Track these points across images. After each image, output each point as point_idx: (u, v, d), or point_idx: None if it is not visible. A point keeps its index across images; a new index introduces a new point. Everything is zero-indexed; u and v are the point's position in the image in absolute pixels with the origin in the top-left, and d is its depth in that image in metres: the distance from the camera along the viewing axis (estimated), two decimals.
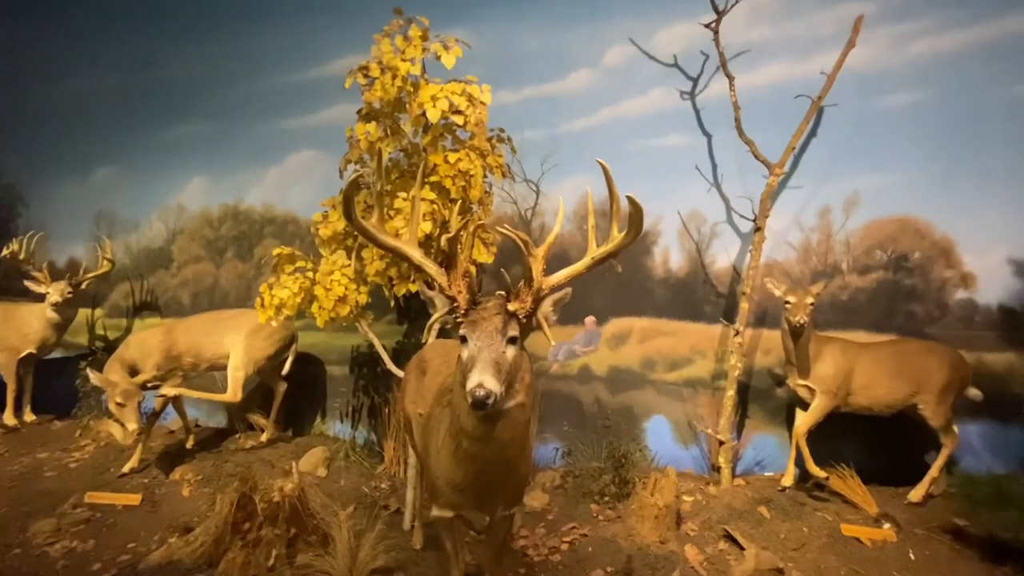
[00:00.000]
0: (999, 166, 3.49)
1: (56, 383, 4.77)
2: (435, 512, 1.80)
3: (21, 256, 4.37)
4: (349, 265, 3.16)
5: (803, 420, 3.37)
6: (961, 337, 3.50)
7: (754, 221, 3.62)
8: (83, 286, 4.46)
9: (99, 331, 5.18)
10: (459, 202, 2.67)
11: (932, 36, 3.63)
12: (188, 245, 5.09)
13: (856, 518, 3.18)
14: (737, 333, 3.59)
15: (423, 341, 1.45)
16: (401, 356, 3.46)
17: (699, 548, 2.95)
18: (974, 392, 3.35)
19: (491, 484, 1.68)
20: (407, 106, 2.77)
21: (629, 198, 1.43)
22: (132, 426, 3.34)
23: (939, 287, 3.60)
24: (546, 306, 1.54)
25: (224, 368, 4.00)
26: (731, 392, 3.61)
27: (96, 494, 3.28)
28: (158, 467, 3.74)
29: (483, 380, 1.33)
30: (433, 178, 2.78)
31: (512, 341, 1.45)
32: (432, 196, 2.80)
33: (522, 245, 1.45)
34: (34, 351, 4.41)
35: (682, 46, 4.04)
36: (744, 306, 3.59)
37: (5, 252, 4.36)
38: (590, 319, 4.18)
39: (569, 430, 4.11)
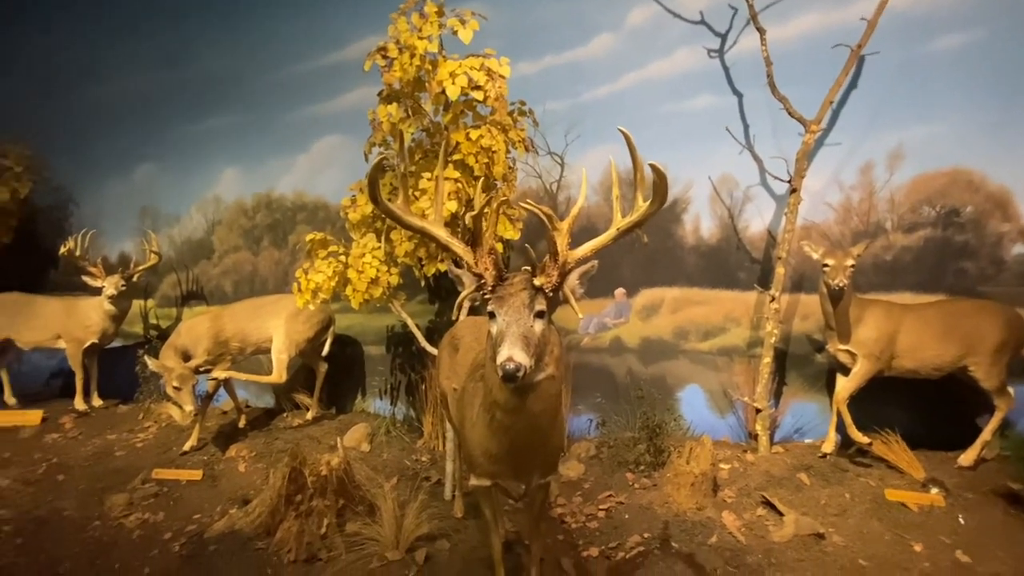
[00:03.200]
0: None
1: (118, 370, 5.11)
2: (473, 481, 1.87)
3: (77, 253, 4.64)
4: (379, 247, 3.23)
5: (844, 386, 3.29)
6: (1019, 295, 3.31)
7: (789, 182, 3.48)
8: (134, 279, 4.71)
9: (152, 320, 5.49)
10: (482, 179, 2.66)
11: None
12: (227, 235, 5.29)
13: (901, 483, 3.11)
14: (773, 299, 3.50)
15: (453, 319, 1.48)
16: (434, 334, 3.53)
17: (737, 514, 2.96)
18: None
19: (525, 454, 1.73)
20: (427, 85, 2.77)
21: (653, 166, 1.40)
22: (188, 408, 3.57)
23: (994, 242, 3.40)
24: (572, 279, 1.54)
25: (268, 351, 4.20)
26: (768, 359, 3.54)
27: (162, 471, 3.55)
28: (215, 445, 3.99)
29: (512, 354, 1.36)
30: (456, 156, 2.79)
31: (540, 315, 1.46)
32: (456, 175, 2.81)
33: (545, 219, 1.45)
34: (96, 341, 4.72)
35: (709, 1, 3.85)
36: (780, 271, 3.48)
37: (62, 250, 4.64)
38: (620, 291, 4.15)
39: (602, 402, 4.14)
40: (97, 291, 4.57)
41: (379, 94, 2.94)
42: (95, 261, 4.69)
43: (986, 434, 3.19)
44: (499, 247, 1.54)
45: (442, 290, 4.48)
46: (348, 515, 2.88)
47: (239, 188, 5.27)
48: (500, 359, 1.37)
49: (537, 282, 1.46)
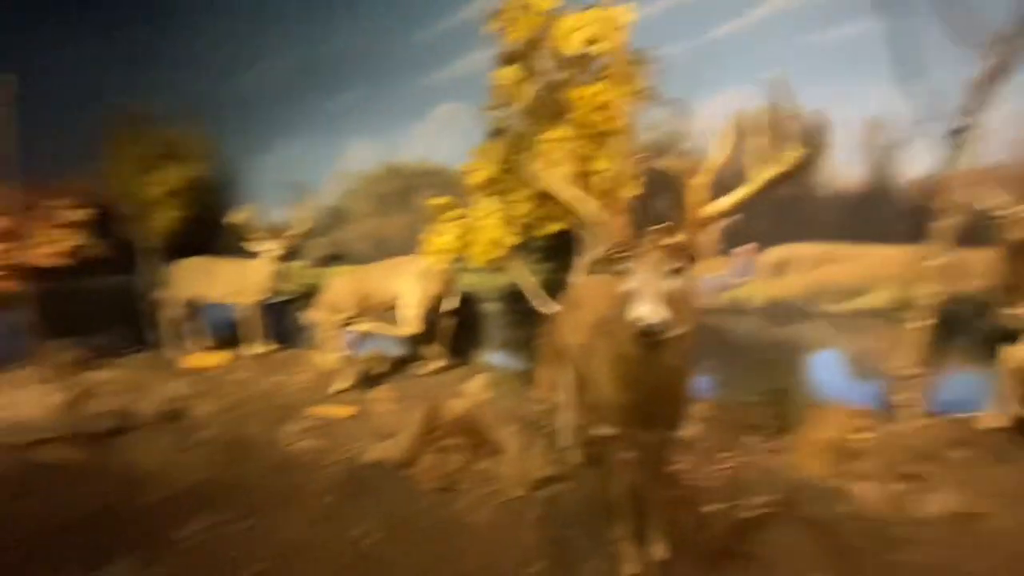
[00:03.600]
0: None
1: (277, 321, 6.00)
2: (599, 430, 1.98)
3: (245, 221, 5.44)
4: (499, 210, 3.38)
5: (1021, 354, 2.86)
6: None
7: (959, 120, 2.98)
8: (288, 243, 5.42)
9: (303, 280, 6.30)
10: (608, 136, 2.65)
11: None
12: (360, 202, 5.85)
13: None
14: (932, 255, 3.09)
15: (583, 276, 1.55)
16: (548, 292, 3.65)
17: (875, 486, 2.78)
18: None
19: (654, 407, 1.78)
20: (545, 43, 2.77)
21: (807, 112, 1.32)
22: (338, 355, 4.13)
23: None
24: (709, 235, 1.52)
25: (402, 307, 4.66)
26: (921, 323, 3.18)
27: (321, 407, 4.17)
28: (361, 387, 4.58)
29: (649, 310, 1.39)
30: (573, 114, 2.79)
31: (676, 272, 1.48)
32: (571, 133, 2.82)
33: (682, 174, 1.43)
34: (263, 297, 5.57)
35: None
36: (943, 223, 3.06)
37: (235, 219, 5.47)
38: (744, 248, 3.92)
39: (722, 363, 4.02)
40: (261, 254, 5.34)
41: (498, 56, 3.00)
42: (259, 228, 5.45)
43: None
44: (632, 204, 1.55)
45: (556, 250, 4.57)
46: (477, 454, 3.18)
47: (369, 157, 5.77)
48: (636, 315, 1.41)
49: (674, 239, 1.47)
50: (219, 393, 4.71)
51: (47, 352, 2.86)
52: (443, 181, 5.28)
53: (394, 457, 3.35)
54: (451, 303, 4.73)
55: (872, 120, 3.38)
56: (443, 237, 3.50)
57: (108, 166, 5.73)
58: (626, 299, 1.50)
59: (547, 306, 3.50)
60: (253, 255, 5.38)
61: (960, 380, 3.38)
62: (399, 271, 4.69)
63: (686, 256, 1.49)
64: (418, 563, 2.50)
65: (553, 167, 2.63)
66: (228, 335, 6.62)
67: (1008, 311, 2.92)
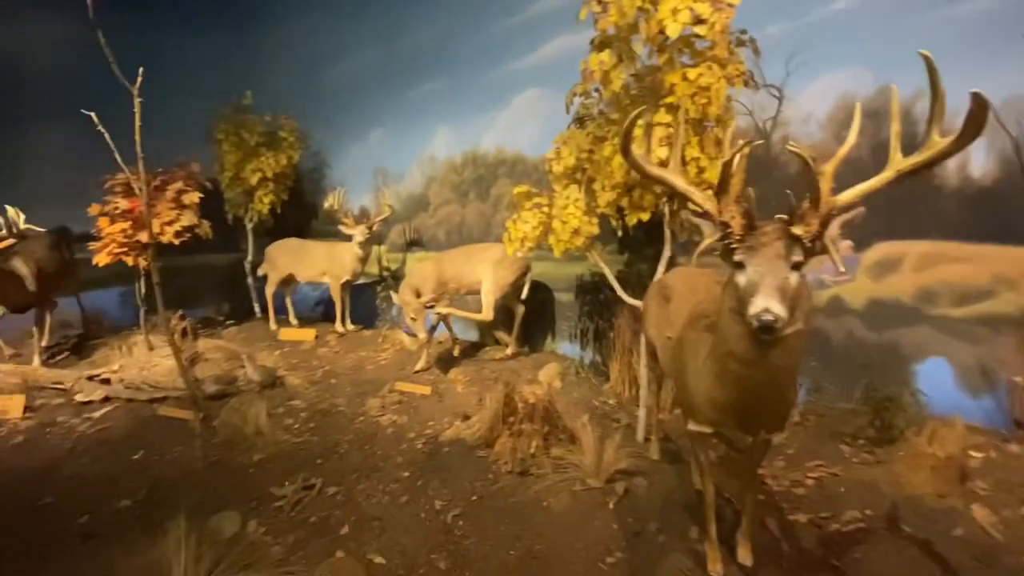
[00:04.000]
0: None
1: (362, 302, 6.32)
2: (692, 427, 1.93)
3: (335, 207, 5.77)
4: (581, 198, 3.35)
5: None
6: None
7: None
8: (374, 228, 5.68)
9: (384, 263, 6.59)
10: (709, 122, 2.54)
11: None
12: (440, 190, 6.00)
13: None
14: None
15: (690, 265, 1.49)
16: (623, 284, 3.58)
17: (992, 509, 2.52)
18: None
19: (757, 407, 1.71)
20: (643, 26, 2.69)
21: (975, 95, 1.19)
22: (422, 335, 4.31)
23: None
24: (834, 228, 1.43)
25: (478, 292, 4.77)
26: None
27: (402, 384, 4.37)
28: (438, 368, 4.75)
29: (769, 305, 1.33)
30: (669, 99, 2.70)
31: (796, 266, 1.41)
32: (667, 119, 2.73)
33: (809, 162, 1.34)
34: (349, 278, 5.89)
35: None
36: None
37: (325, 204, 5.82)
38: (845, 243, 3.64)
39: (815, 366, 3.78)
40: (349, 238, 5.64)
41: (591, 41, 2.95)
42: (347, 213, 5.76)
43: None
44: (751, 194, 1.48)
45: (634, 241, 4.47)
46: (552, 441, 3.21)
47: (450, 146, 5.88)
48: (754, 310, 1.35)
49: (796, 231, 1.39)
50: (309, 366, 5.06)
51: (163, 321, 3.20)
52: (522, 170, 5.30)
53: (472, 437, 3.46)
54: (524, 290, 4.77)
55: (1008, 102, 3.02)
56: (524, 225, 3.51)
57: (216, 152, 6.27)
58: (743, 292, 1.44)
59: (627, 298, 3.43)
60: (346, 238, 5.70)
61: None
62: (477, 258, 4.79)
63: (808, 249, 1.40)
64: (495, 540, 2.58)
65: (655, 153, 2.57)
66: (318, 313, 7.10)
67: None
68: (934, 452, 2.65)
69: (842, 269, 1.34)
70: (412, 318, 4.33)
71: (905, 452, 2.81)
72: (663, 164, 2.83)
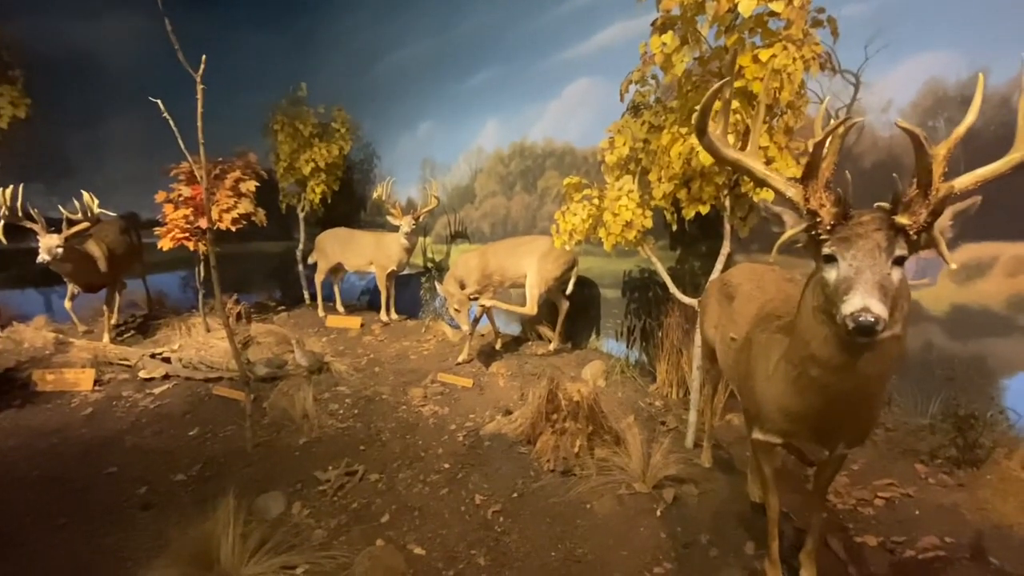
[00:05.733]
0: None
1: (404, 293, 6.37)
2: (759, 436, 1.78)
3: (384, 198, 5.82)
4: (634, 190, 3.20)
5: None
6: None
7: None
8: (420, 219, 5.70)
9: (429, 255, 6.62)
10: (782, 106, 2.35)
11: None
12: (486, 182, 5.94)
13: None
14: None
15: (770, 259, 1.34)
16: (674, 281, 3.40)
17: None
18: None
19: (838, 418, 1.55)
20: (711, 5, 2.51)
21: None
22: (465, 327, 4.28)
23: None
24: (944, 219, 1.25)
25: (522, 285, 4.69)
26: None
27: (444, 375, 4.35)
28: (480, 361, 4.71)
29: (869, 304, 1.17)
30: (738, 83, 2.51)
31: (899, 261, 1.25)
32: (736, 104, 2.55)
33: (923, 140, 1.16)
34: (395, 268, 5.94)
35: None
36: None
37: (375, 195, 5.88)
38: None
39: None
40: (396, 228, 5.68)
41: (653, 23, 2.80)
42: (395, 203, 5.80)
43: None
44: (848, 178, 1.31)
45: (686, 236, 4.27)
46: (596, 441, 3.10)
47: (497, 138, 5.81)
48: (851, 309, 1.19)
49: (901, 221, 1.22)
50: (355, 353, 5.13)
51: (219, 305, 3.30)
52: (570, 161, 5.17)
53: (513, 432, 3.39)
54: (569, 285, 4.65)
55: None
56: (573, 218, 3.40)
57: (272, 143, 6.46)
58: (834, 289, 1.28)
59: (681, 296, 3.26)
60: (393, 228, 5.74)
61: None
62: (522, 251, 4.70)
63: (912, 242, 1.23)
64: (536, 540, 2.50)
65: (729, 139, 2.40)
66: (363, 302, 7.23)
67: None
68: None
69: (953, 266, 1.17)
70: (456, 309, 4.30)
71: (993, 476, 2.54)
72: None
